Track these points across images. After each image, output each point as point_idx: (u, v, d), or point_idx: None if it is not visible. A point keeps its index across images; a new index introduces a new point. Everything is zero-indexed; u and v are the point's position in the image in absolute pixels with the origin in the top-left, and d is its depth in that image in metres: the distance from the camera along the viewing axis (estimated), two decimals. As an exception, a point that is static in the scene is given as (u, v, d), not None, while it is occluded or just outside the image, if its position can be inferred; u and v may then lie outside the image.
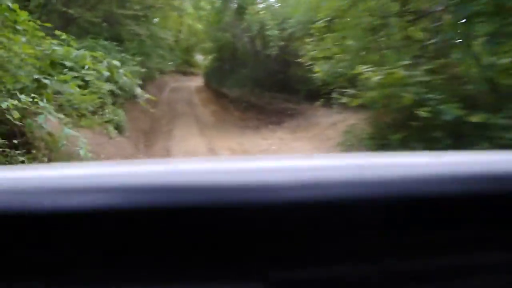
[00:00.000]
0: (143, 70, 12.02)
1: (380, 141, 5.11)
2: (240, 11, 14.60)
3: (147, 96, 11.94)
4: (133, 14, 12.54)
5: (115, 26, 12.49)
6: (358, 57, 5.73)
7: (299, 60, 14.05)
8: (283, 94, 14.90)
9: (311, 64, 9.28)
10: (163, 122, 15.56)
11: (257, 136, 12.56)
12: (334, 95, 8.50)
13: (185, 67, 36.65)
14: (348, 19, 6.33)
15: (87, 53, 5.85)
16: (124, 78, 7.04)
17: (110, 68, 6.38)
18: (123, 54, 11.55)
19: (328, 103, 10.70)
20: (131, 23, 12.26)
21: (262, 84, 15.51)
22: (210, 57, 29.33)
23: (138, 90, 11.76)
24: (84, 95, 5.80)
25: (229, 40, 22.11)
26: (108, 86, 8.16)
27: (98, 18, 11.95)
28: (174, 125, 14.81)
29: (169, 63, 16.91)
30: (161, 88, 26.84)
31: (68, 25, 11.38)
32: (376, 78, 4.11)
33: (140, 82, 11.62)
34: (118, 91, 10.54)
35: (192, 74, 36.24)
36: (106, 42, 10.79)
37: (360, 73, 4.31)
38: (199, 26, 32.18)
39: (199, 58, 36.62)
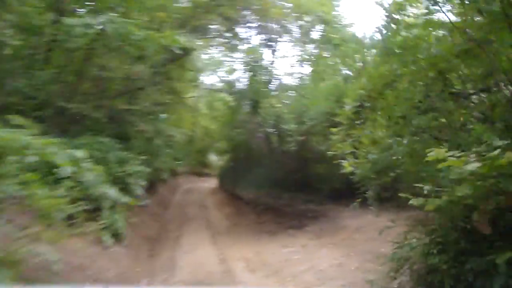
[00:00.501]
0: (148, 170, 10.85)
1: (467, 258, 3.56)
2: (255, 105, 13.79)
3: (147, 201, 10.69)
4: (140, 111, 11.74)
5: (119, 122, 11.64)
6: (419, 141, 4.41)
7: (319, 156, 12.89)
8: (303, 194, 13.48)
9: (336, 158, 7.95)
10: (171, 227, 14.08)
11: (276, 243, 10.92)
12: (369, 193, 7.05)
13: (199, 168, 35.90)
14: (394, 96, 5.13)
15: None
16: (90, 174, 5.64)
17: (73, 161, 5.05)
18: (125, 152, 10.48)
19: (362, 203, 9.25)
20: (137, 119, 11.40)
21: (279, 184, 14.20)
22: (224, 157, 28.55)
23: (140, 192, 10.53)
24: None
25: (244, 138, 21.34)
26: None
27: (101, 114, 11.12)
28: (183, 231, 13.29)
29: (178, 162, 15.78)
30: (173, 189, 25.73)
31: (69, 122, 10.55)
32: (470, 166, 2.73)
33: (143, 183, 10.42)
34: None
35: (207, 175, 35.41)
36: (105, 139, 9.77)
37: (439, 160, 2.94)
38: (213, 126, 32.03)
39: (213, 158, 35.99)
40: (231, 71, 21.82)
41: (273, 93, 15.14)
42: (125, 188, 10.19)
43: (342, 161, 7.27)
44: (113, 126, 11.94)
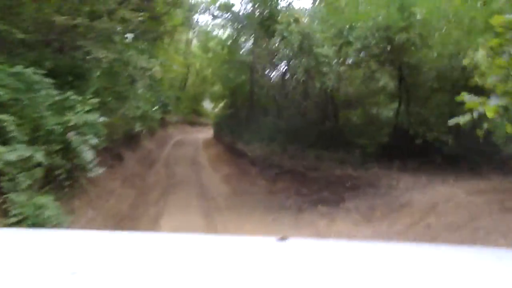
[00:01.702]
0: (106, 119, 6.91)
1: None
2: (267, 24, 9.49)
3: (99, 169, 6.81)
4: (100, 31, 7.61)
5: (68, 50, 7.59)
6: None
7: (357, 98, 9.06)
8: (335, 153, 9.63)
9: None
10: (151, 198, 10.34)
11: (302, 228, 7.26)
12: None
13: (193, 117, 32.22)
14: None
15: None
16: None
17: None
18: (69, 94, 6.53)
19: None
20: (92, 44, 7.32)
21: (299, 138, 10.31)
22: (221, 103, 24.70)
23: (89, 156, 6.67)
24: None
25: (245, 79, 17.30)
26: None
27: (38, 35, 7.07)
28: (167, 204, 9.55)
29: (154, 108, 11.57)
30: (162, 142, 21.89)
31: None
32: None
33: (94, 140, 6.52)
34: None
35: (201, 124, 31.84)
36: (26, 70, 5.79)
37: None
38: (207, 71, 27.98)
39: (208, 106, 32.15)
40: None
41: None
42: (64, 150, 6.34)
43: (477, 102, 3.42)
44: (60, 57, 7.87)
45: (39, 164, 5.64)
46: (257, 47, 15.02)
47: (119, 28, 7.78)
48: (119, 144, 13.27)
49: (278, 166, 10.12)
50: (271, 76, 14.70)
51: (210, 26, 29.60)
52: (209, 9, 25.54)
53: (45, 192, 5.85)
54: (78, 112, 6.48)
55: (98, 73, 7.56)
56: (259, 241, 1.64)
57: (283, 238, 1.49)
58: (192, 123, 31.86)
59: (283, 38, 8.15)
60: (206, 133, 26.73)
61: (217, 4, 22.38)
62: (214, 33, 28.50)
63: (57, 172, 6.21)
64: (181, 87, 30.33)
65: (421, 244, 2.00)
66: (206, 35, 29.56)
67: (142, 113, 9.69)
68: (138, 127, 9.60)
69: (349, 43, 7.89)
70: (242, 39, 19.51)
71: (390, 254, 1.50)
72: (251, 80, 16.27)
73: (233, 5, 19.08)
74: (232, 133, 16.56)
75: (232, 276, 1.17)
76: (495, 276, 1.22)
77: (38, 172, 5.63)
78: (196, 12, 26.99)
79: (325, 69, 7.78)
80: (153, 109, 9.35)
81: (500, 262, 1.38)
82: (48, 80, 6.10)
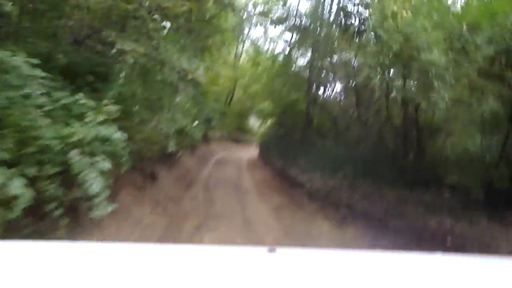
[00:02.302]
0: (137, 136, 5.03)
1: None
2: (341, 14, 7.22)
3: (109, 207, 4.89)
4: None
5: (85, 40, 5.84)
6: None
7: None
8: (422, 195, 7.32)
9: None
10: (185, 232, 8.37)
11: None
12: None
13: (237, 134, 30.79)
14: None
15: None
16: None
17: None
18: (79, 96, 4.72)
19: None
20: (120, 35, 5.51)
21: (373, 171, 8.07)
22: (269, 122, 22.84)
23: (96, 185, 4.67)
24: None
25: (301, 95, 15.28)
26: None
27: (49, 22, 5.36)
28: (203, 243, 7.54)
29: (195, 122, 9.45)
30: (202, 159, 20.13)
31: None
32: None
33: (107, 165, 4.63)
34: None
35: (245, 142, 30.42)
36: (11, 58, 4.01)
37: None
38: (256, 86, 26.35)
39: (254, 123, 30.50)
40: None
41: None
42: (65, 175, 4.50)
43: None
44: (77, 48, 6.13)
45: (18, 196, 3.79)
46: (317, 58, 13.06)
47: (155, 16, 5.93)
48: (153, 162, 11.51)
49: (346, 206, 7.89)
50: (334, 92, 12.59)
51: (262, 39, 28.28)
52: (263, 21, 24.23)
53: (25, 235, 4.00)
54: (88, 122, 4.62)
55: (123, 73, 5.71)
56: (249, 252, 1.64)
57: (273, 249, 1.49)
58: (236, 140, 30.58)
59: (377, 37, 6.05)
60: (251, 152, 25.00)
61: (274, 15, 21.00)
62: (266, 47, 27.08)
63: (50, 206, 4.35)
64: (227, 101, 28.99)
65: (416, 253, 1.74)
66: (256, 49, 28.15)
67: (179, 128, 7.72)
68: (172, 146, 7.62)
69: (474, 48, 5.63)
70: (298, 51, 17.76)
71: (381, 263, 1.48)
72: (307, 96, 14.26)
73: (287, 18, 17.55)
74: (282, 156, 14.50)
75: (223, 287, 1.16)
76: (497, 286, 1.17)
77: (16, 210, 3.76)
78: (248, 23, 25.80)
79: (435, 83, 5.56)
80: (194, 123, 7.40)
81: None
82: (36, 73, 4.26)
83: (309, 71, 14.90)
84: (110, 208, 4.45)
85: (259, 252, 1.50)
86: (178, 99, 7.48)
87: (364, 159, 8.54)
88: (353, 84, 11.37)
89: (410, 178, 7.63)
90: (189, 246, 2.19)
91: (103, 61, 5.79)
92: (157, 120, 6.63)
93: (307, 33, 14.19)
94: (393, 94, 7.77)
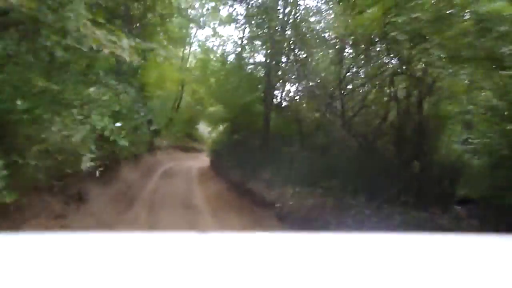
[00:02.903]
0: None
1: None
2: None
3: None
4: None
5: None
6: None
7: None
8: (433, 214, 5.55)
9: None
10: None
11: None
12: None
13: (186, 142, 28.58)
14: None
15: None
16: None
17: None
18: None
19: None
20: None
21: (367, 185, 6.22)
22: (220, 127, 20.83)
23: None
24: None
25: (258, 96, 13.39)
26: None
27: None
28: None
29: (117, 124, 6.84)
30: (147, 171, 17.69)
31: None
32: None
33: None
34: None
35: (195, 149, 28.32)
36: None
37: None
38: (204, 90, 24.22)
39: (204, 130, 28.39)
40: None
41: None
42: None
43: None
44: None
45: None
46: (275, 52, 11.25)
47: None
48: (81, 178, 9.12)
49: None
50: (299, 89, 10.81)
51: (210, 39, 26.21)
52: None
53: None
54: None
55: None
56: (179, 237, 1.58)
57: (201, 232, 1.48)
58: (185, 149, 28.38)
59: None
60: (201, 161, 22.98)
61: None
62: (215, 47, 25.08)
63: None
64: (174, 107, 26.74)
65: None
66: (205, 50, 26.02)
67: (99, 132, 5.22)
68: (85, 161, 5.17)
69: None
70: (251, 49, 15.93)
71: (321, 244, 1.44)
72: (266, 97, 12.39)
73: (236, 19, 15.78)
74: (238, 165, 12.48)
75: (156, 273, 1.12)
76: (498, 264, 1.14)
77: None
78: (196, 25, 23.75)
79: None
80: (116, 124, 5.08)
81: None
82: None
83: (266, 70, 13.08)
84: None
85: (188, 237, 1.49)
86: (92, 89, 5.22)
87: (353, 170, 6.68)
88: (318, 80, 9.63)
89: (415, 192, 5.84)
90: (121, 234, 1.77)
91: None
92: (60, 122, 4.36)
93: (259, 29, 12.47)
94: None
